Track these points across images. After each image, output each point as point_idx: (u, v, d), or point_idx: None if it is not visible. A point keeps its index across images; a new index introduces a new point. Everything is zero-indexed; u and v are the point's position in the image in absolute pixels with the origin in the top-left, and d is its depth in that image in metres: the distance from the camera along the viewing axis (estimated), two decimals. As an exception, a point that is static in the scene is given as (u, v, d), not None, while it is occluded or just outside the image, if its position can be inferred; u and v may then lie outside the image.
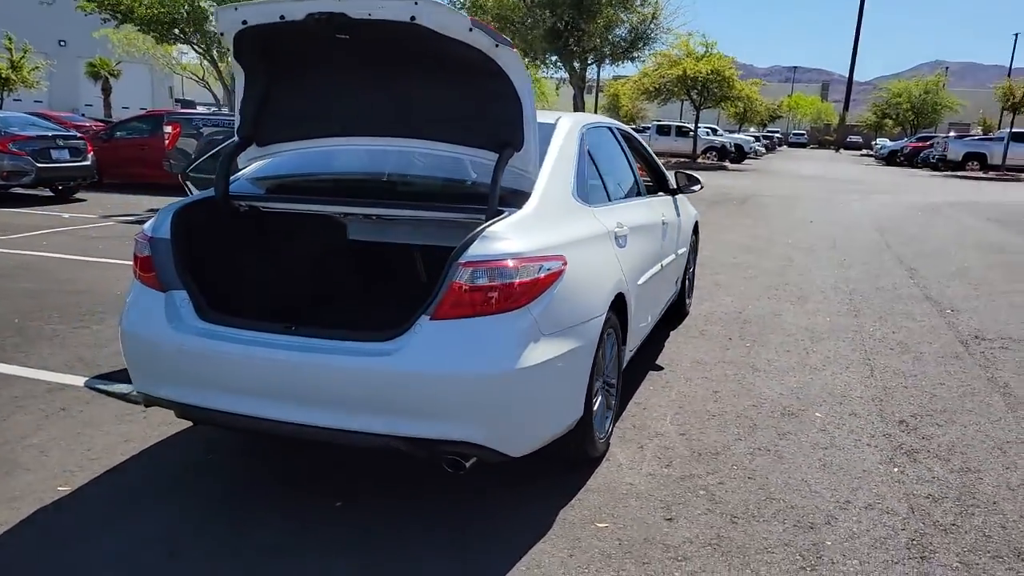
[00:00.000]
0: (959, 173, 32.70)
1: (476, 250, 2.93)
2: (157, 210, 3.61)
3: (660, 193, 5.63)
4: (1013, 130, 32.28)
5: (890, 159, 45.77)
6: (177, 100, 46.29)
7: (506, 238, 3.01)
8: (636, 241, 4.25)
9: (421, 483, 3.57)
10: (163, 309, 3.24)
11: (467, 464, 3.02)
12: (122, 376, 4.91)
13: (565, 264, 3.14)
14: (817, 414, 4.54)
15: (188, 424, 4.13)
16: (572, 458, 3.65)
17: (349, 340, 2.98)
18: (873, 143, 60.40)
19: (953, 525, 3.32)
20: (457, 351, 2.86)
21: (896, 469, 3.84)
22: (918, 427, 4.37)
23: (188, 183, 5.55)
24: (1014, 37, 65.35)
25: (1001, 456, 4.02)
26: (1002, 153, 31.78)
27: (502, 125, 3.29)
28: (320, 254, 4.45)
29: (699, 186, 5.83)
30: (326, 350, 2.97)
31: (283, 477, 3.67)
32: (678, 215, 5.74)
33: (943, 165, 34.76)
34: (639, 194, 5.09)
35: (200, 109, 29.31)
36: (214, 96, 33.68)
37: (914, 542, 3.18)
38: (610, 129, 4.95)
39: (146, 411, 4.30)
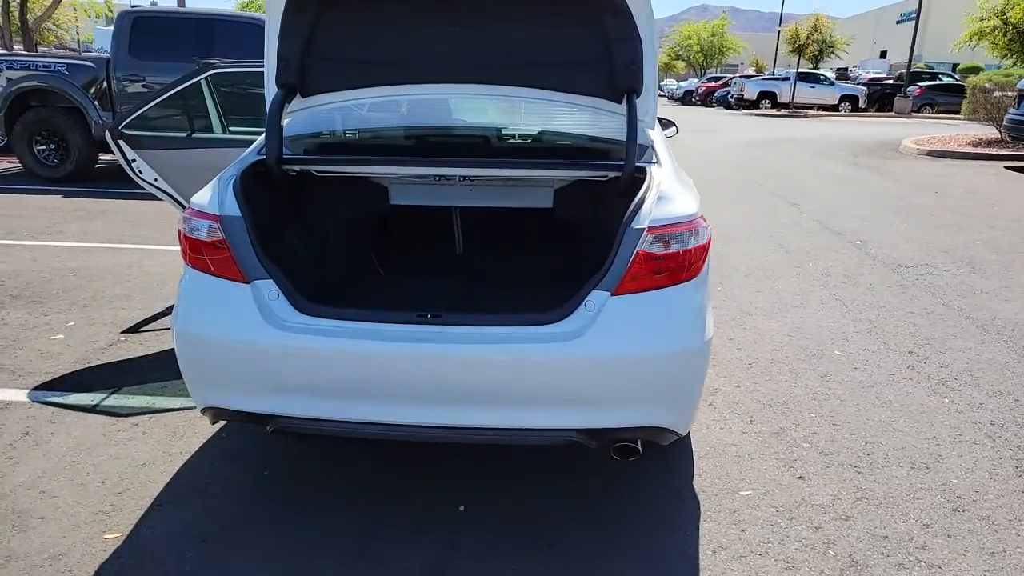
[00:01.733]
0: (754, 111, 35.43)
1: (661, 212, 2.63)
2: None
3: None
4: (799, 71, 35.44)
5: (685, 99, 48.67)
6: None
7: (679, 197, 2.74)
8: None
9: (530, 475, 3.25)
10: (254, 304, 2.64)
11: (640, 449, 2.76)
12: (75, 382, 4.07)
13: (707, 223, 2.92)
14: (836, 352, 4.68)
15: (202, 434, 3.51)
16: None
17: (512, 325, 2.58)
18: (663, 84, 63.88)
19: (1034, 448, 3.54)
20: (646, 329, 2.57)
21: (946, 400, 4.04)
22: (927, 356, 4.64)
23: (120, 144, 4.58)
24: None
25: (1013, 377, 4.35)
26: (791, 92, 34.84)
27: (624, 69, 2.95)
28: (367, 220, 3.87)
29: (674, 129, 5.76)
30: (487, 339, 2.55)
31: (368, 483, 3.19)
32: None
33: (739, 104, 37.50)
34: None
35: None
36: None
37: (1021, 466, 3.35)
38: None
39: (140, 424, 3.59)
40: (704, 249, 2.69)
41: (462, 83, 3.13)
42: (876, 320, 5.30)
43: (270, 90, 3.19)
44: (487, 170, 3.01)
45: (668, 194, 2.73)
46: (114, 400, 3.90)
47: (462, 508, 3.02)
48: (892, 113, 32.13)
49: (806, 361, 4.54)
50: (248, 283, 2.68)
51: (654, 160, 3.03)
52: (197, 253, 2.74)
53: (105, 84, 9.94)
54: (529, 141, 3.62)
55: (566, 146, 3.49)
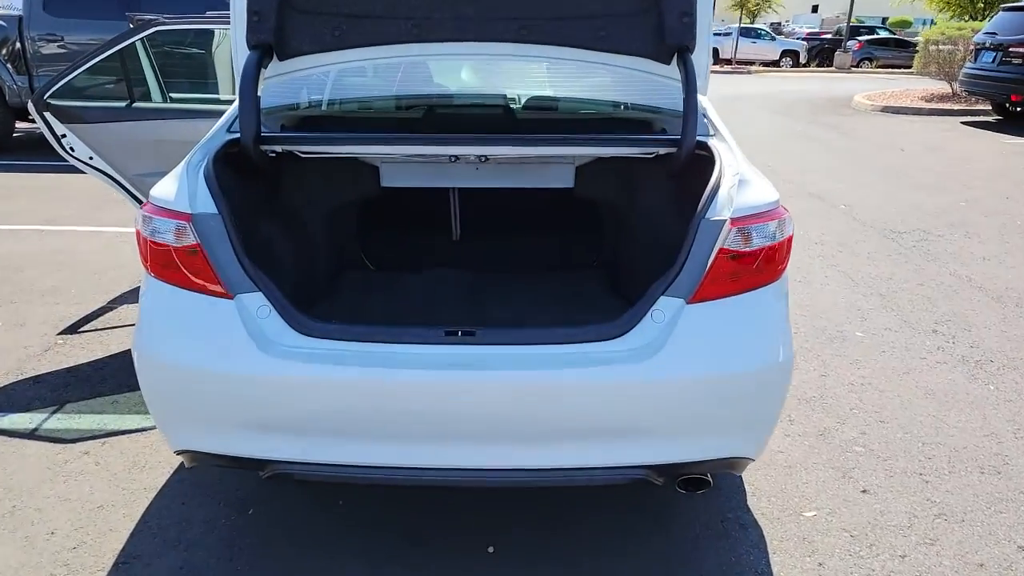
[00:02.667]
0: (698, 67, 35.10)
1: (743, 200, 2.17)
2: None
3: None
4: (741, 26, 35.20)
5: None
6: None
7: (757, 181, 2.29)
8: None
9: (565, 507, 2.82)
10: (240, 325, 2.09)
11: (711, 481, 2.34)
12: (6, 399, 3.45)
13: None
14: (858, 333, 4.35)
15: (168, 462, 2.98)
16: None
17: (563, 343, 2.10)
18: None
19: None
20: (728, 344, 2.12)
21: (990, 387, 3.74)
22: (954, 335, 4.34)
23: (46, 116, 3.87)
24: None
25: (1047, 356, 4.09)
26: (733, 47, 34.62)
27: (676, 22, 2.46)
28: (352, 206, 3.31)
29: None
30: (533, 364, 2.07)
31: (377, 521, 2.70)
32: None
33: (682, 59, 37.06)
34: None
35: None
36: None
37: (1095, 469, 3.06)
38: None
39: (92, 452, 3.03)
40: (789, 244, 2.25)
41: (474, 41, 2.58)
42: (887, 294, 4.99)
43: (239, 52, 2.60)
44: (512, 148, 2.50)
45: (750, 178, 2.28)
46: (57, 421, 3.30)
47: (491, 550, 2.56)
48: (832, 68, 32.22)
49: (828, 345, 4.19)
50: (231, 298, 2.13)
51: (711, 133, 2.57)
52: (163, 262, 2.17)
53: (18, 44, 8.91)
54: (553, 111, 3.10)
55: (596, 116, 2.99)
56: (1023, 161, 9.75)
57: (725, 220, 2.13)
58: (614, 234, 3.33)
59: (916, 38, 29.97)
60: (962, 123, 13.37)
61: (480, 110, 3.05)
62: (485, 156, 2.70)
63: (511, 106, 3.05)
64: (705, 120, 2.61)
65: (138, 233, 2.23)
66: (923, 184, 8.42)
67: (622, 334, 2.11)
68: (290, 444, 2.15)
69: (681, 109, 2.54)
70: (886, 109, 15.08)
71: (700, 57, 2.54)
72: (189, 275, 2.14)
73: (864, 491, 2.91)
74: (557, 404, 2.07)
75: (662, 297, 2.13)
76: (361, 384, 2.05)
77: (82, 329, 4.24)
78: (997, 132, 12.25)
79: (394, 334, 2.12)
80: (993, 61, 12.67)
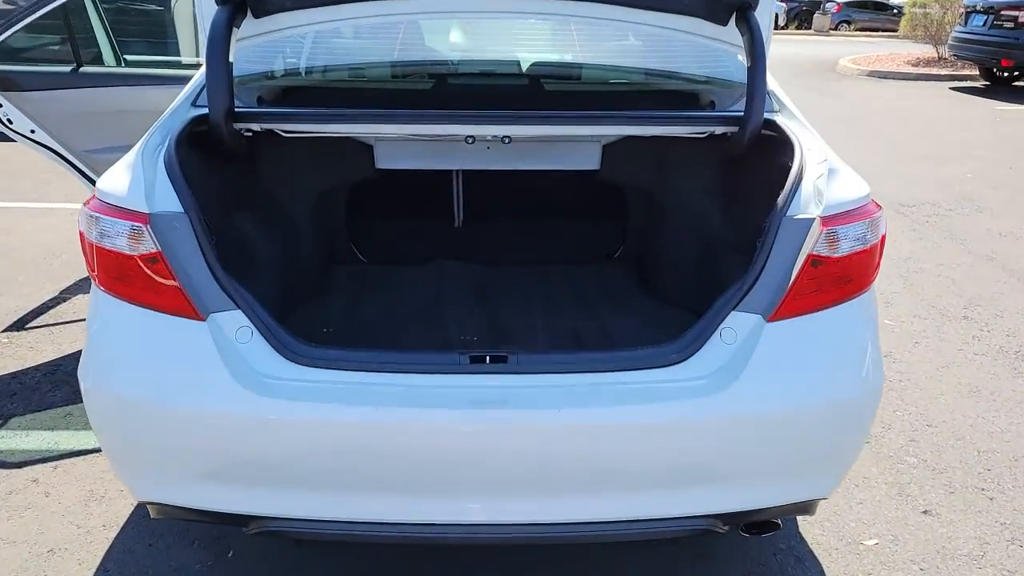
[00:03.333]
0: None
1: (834, 195, 1.78)
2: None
3: None
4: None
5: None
6: None
7: (843, 170, 1.90)
8: None
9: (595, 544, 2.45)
10: (215, 353, 1.68)
11: (781, 524, 1.99)
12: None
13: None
14: (886, 321, 4.04)
15: (129, 500, 2.54)
16: None
17: (613, 370, 1.72)
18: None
19: None
20: (818, 368, 1.76)
21: (1037, 382, 3.44)
22: (986, 322, 4.05)
23: (-23, 85, 3.35)
24: None
25: (1089, 346, 3.81)
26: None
27: None
28: (341, 191, 2.87)
29: None
30: (579, 400, 1.68)
31: (375, 569, 2.32)
32: None
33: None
34: None
35: None
36: None
37: None
38: None
39: (40, 479, 2.62)
40: (882, 246, 1.87)
41: None
42: (908, 276, 4.67)
43: (205, 8, 2.14)
44: (544, 127, 2.08)
45: (837, 166, 1.91)
46: (0, 440, 2.86)
47: (515, 595, 2.20)
48: (811, 31, 31.84)
49: (857, 334, 3.86)
50: (203, 318, 1.71)
51: (775, 108, 2.18)
52: (116, 273, 1.73)
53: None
54: (583, 81, 2.67)
55: (634, 88, 2.57)
56: (1018, 129, 9.50)
57: (814, 219, 1.74)
58: (642, 223, 2.93)
59: (895, 0, 29.70)
60: (951, 88, 13.09)
61: (499, 80, 2.61)
62: (509, 137, 2.29)
63: (535, 75, 2.60)
64: (771, 93, 2.21)
65: (82, 236, 1.79)
66: (922, 154, 8.11)
67: (685, 358, 1.73)
68: (279, 497, 1.76)
69: (736, 79, 2.14)
70: (873, 74, 14.75)
71: (763, 17, 2.13)
72: (148, 290, 1.71)
73: (925, 512, 2.59)
74: (604, 448, 1.69)
75: (734, 312, 1.75)
76: (368, 427, 1.65)
77: (30, 325, 3.77)
78: (987, 98, 11.99)
79: (407, 361, 1.73)
80: (984, 25, 12.36)
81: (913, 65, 15.29)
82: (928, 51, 16.18)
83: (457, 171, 2.97)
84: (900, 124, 9.81)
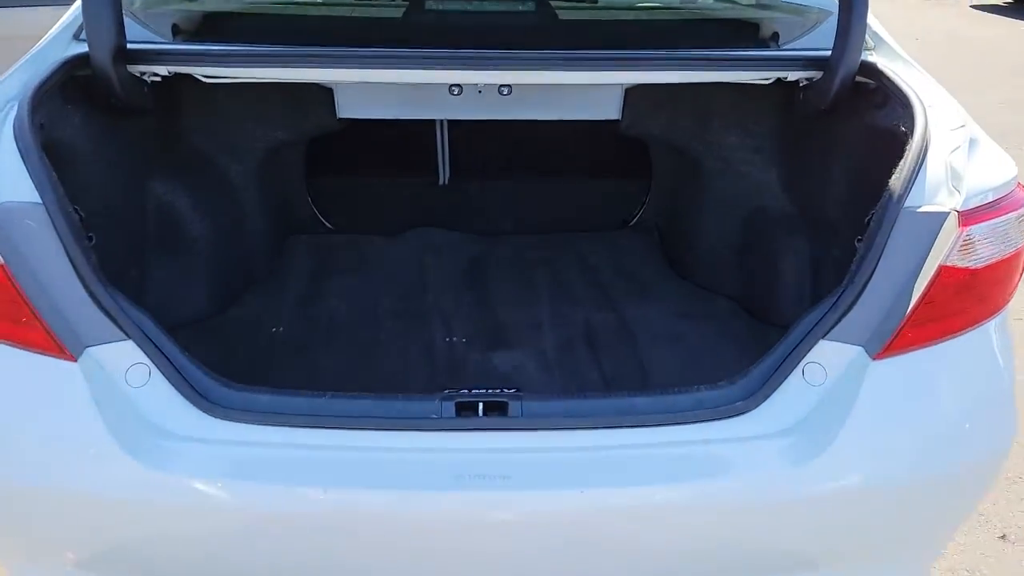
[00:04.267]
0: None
1: (978, 179, 1.27)
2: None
3: None
4: None
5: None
6: None
7: (983, 139, 1.40)
8: None
9: None
10: (90, 403, 1.17)
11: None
12: None
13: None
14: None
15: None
16: None
17: (656, 424, 1.23)
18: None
19: None
20: (944, 424, 1.27)
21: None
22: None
23: None
24: None
25: None
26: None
27: None
28: (296, 147, 2.31)
29: None
30: (611, 471, 1.19)
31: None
32: None
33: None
34: None
35: None
36: None
37: None
38: None
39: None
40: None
41: None
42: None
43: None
44: (557, 73, 1.52)
45: (975, 131, 1.39)
46: None
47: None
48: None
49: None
50: (73, 358, 1.19)
51: (868, 44, 1.62)
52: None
53: None
54: (602, 7, 2.08)
55: (671, 16, 1.98)
56: (1050, 51, 8.85)
57: (948, 213, 1.22)
58: (669, 185, 2.37)
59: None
60: (971, 6, 12.29)
61: (496, 4, 2.02)
62: (508, 87, 1.74)
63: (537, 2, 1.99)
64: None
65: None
66: (950, 81, 7.45)
67: (754, 407, 1.23)
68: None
69: (812, 2, 1.59)
70: (886, -11, 13.87)
71: None
72: (-4, 317, 1.19)
73: (1002, 537, 2.17)
74: (650, 542, 1.21)
75: (823, 341, 1.24)
76: (312, 518, 1.16)
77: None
78: (1009, 17, 11.23)
79: (373, 413, 1.22)
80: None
81: (929, -20, 14.38)
82: (945, -35, 15.23)
83: (443, 123, 2.41)
84: (921, 46, 9.11)
